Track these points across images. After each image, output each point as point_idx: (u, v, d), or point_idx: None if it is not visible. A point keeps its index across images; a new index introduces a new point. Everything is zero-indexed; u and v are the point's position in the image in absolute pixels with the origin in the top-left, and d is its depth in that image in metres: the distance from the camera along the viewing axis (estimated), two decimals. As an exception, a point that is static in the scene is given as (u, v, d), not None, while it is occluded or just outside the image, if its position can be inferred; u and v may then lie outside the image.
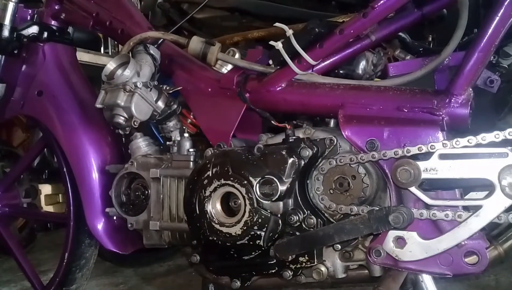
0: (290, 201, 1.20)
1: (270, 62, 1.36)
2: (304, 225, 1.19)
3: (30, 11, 1.72)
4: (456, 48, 1.23)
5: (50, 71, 1.67)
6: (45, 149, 1.85)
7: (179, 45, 1.50)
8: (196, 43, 1.41)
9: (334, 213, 1.21)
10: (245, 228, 1.20)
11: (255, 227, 1.19)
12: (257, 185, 1.18)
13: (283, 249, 1.19)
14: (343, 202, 1.20)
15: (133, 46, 1.46)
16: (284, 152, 1.19)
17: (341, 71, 1.41)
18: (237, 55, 1.48)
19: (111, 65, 1.42)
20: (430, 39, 1.58)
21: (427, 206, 1.13)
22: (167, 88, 1.47)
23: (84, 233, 1.66)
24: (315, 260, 1.19)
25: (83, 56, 2.77)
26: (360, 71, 1.42)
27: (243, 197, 1.20)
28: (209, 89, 1.44)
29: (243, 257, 1.23)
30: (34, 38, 1.67)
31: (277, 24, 1.31)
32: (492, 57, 1.29)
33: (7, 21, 1.67)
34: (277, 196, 1.17)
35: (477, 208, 1.08)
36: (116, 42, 3.12)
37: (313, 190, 1.23)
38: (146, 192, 1.45)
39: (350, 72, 1.41)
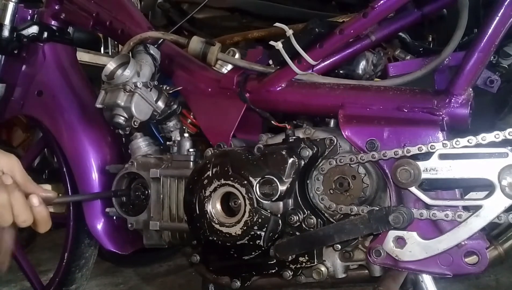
0: (290, 201, 1.20)
1: (270, 62, 1.36)
2: (304, 225, 1.19)
3: (30, 11, 1.72)
4: (456, 48, 1.23)
5: (50, 71, 1.67)
6: (45, 149, 1.85)
7: (179, 45, 1.50)
8: (196, 43, 1.41)
9: (334, 213, 1.21)
10: (245, 228, 1.20)
11: (255, 227, 1.19)
12: (257, 185, 1.18)
13: (283, 249, 1.19)
14: (343, 202, 1.20)
15: (133, 46, 1.46)
16: (284, 152, 1.19)
17: (341, 71, 1.41)
18: (237, 55, 1.48)
19: (111, 65, 1.42)
20: (430, 39, 1.58)
21: (427, 206, 1.13)
22: (167, 88, 1.47)
23: (84, 233, 1.66)
24: (315, 260, 1.19)
25: (83, 56, 2.76)
26: (360, 71, 1.42)
27: (243, 197, 1.20)
28: (209, 89, 1.44)
29: (243, 257, 1.23)
30: (34, 38, 1.66)
31: (277, 24, 1.31)
32: (492, 57, 1.29)
33: (7, 21, 1.67)
34: (277, 196, 1.17)
35: (477, 208, 1.08)
36: (116, 42, 3.12)
37: (313, 190, 1.23)
38: (146, 192, 1.45)
39: (350, 72, 1.42)
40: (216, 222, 1.23)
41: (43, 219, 0.97)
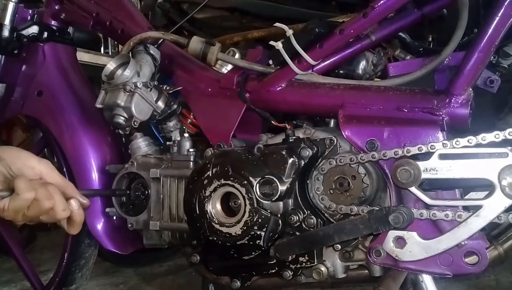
0: (290, 201, 1.20)
1: (270, 62, 1.36)
2: (304, 225, 1.19)
3: (30, 11, 1.72)
4: (456, 48, 1.23)
5: (50, 71, 1.67)
6: (45, 149, 1.85)
7: (179, 45, 1.50)
8: (196, 43, 1.41)
9: (334, 213, 1.21)
10: (245, 228, 1.20)
11: (255, 227, 1.19)
12: (257, 185, 1.18)
13: (283, 249, 1.19)
14: (343, 202, 1.20)
15: (133, 46, 1.46)
16: (284, 152, 1.19)
17: (341, 71, 1.41)
18: (237, 55, 1.48)
19: (111, 65, 1.42)
20: (430, 39, 1.58)
21: (427, 206, 1.13)
22: (167, 88, 1.47)
23: (84, 233, 1.66)
24: (315, 260, 1.19)
25: (83, 56, 2.76)
26: (360, 71, 1.42)
27: (243, 197, 1.20)
28: (209, 89, 1.44)
29: (243, 257, 1.23)
30: (34, 38, 1.66)
31: (277, 24, 1.31)
32: (492, 57, 1.29)
33: (7, 21, 1.67)
34: (277, 196, 1.17)
35: (477, 208, 1.08)
36: (116, 42, 3.12)
37: (313, 190, 1.23)
38: (146, 192, 1.45)
39: (350, 72, 1.41)
40: (216, 222, 1.23)
41: (80, 221, 1.01)
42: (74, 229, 1.01)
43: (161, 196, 1.40)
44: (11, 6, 1.68)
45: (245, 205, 1.19)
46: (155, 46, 1.48)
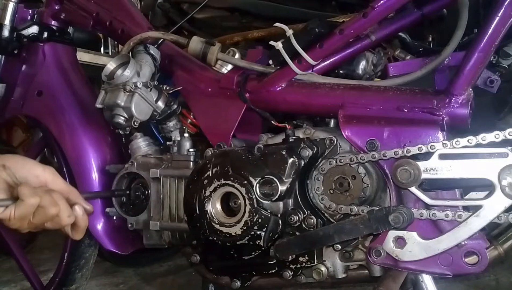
0: (290, 201, 1.20)
1: (270, 62, 1.36)
2: (304, 225, 1.19)
3: (30, 11, 1.72)
4: (456, 48, 1.23)
5: (50, 71, 1.67)
6: (45, 149, 1.85)
7: (179, 45, 1.50)
8: (196, 43, 1.41)
9: (334, 213, 1.21)
10: (245, 228, 1.20)
11: (255, 227, 1.19)
12: (257, 185, 1.18)
13: (283, 249, 1.19)
14: (343, 202, 1.20)
15: (133, 46, 1.46)
16: (284, 152, 1.19)
17: (341, 71, 1.41)
18: (237, 55, 1.48)
19: (111, 65, 1.41)
20: (430, 39, 1.58)
21: (427, 206, 1.13)
22: (167, 88, 1.47)
23: (84, 233, 1.66)
24: (315, 260, 1.19)
25: (83, 56, 2.76)
26: (360, 71, 1.42)
27: (243, 197, 1.20)
28: (209, 89, 1.44)
29: (243, 257, 1.23)
30: (34, 38, 1.66)
31: (277, 24, 1.31)
32: (492, 57, 1.29)
33: (7, 21, 1.67)
34: (277, 196, 1.17)
35: (477, 208, 1.08)
36: (116, 42, 3.12)
37: (313, 190, 1.23)
38: (146, 192, 1.45)
39: (350, 72, 1.41)
40: (216, 222, 1.23)
41: (85, 227, 1.01)
42: (78, 234, 1.01)
43: (161, 196, 1.40)
44: (11, 6, 1.68)
45: (245, 205, 1.19)
46: (155, 46, 1.48)
